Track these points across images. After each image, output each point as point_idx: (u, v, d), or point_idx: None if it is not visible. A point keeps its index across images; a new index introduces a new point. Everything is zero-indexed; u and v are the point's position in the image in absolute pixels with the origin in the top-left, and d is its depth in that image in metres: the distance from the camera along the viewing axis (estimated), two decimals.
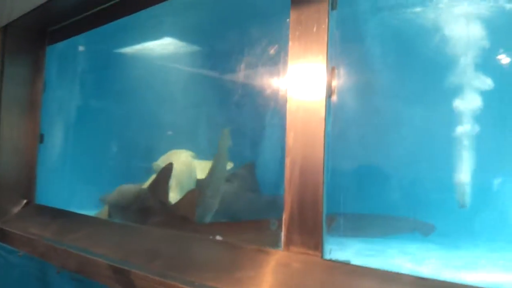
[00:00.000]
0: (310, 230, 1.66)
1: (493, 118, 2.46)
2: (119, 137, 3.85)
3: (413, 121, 2.55)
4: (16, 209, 3.38)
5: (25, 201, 3.41)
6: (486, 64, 2.38)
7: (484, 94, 2.36)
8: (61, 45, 3.47)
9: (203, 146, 3.58)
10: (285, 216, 1.76)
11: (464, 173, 2.41)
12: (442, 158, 2.57)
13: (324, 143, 1.66)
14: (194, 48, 3.71)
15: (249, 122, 3.17)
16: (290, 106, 1.78)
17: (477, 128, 2.40)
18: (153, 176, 3.51)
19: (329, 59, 1.69)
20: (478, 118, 2.38)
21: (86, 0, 3.01)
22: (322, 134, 1.67)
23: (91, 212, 3.43)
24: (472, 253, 2.30)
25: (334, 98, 1.70)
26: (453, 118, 2.41)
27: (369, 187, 2.73)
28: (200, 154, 3.49)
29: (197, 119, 3.54)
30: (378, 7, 2.48)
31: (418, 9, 2.40)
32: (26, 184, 3.45)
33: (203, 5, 2.99)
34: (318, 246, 1.63)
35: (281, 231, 1.76)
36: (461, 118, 2.39)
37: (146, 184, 3.45)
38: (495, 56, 2.44)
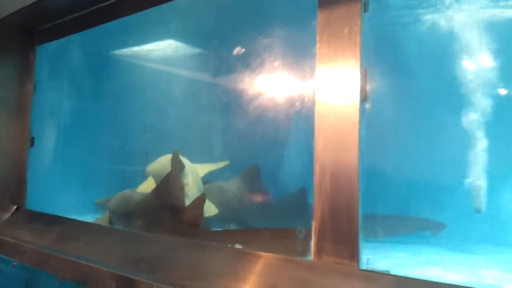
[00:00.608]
0: (344, 238, 1.60)
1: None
2: (113, 140, 3.73)
3: (433, 124, 2.53)
4: (6, 216, 3.22)
5: (15, 207, 3.25)
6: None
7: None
8: (52, 45, 3.33)
9: (199, 151, 3.49)
10: (315, 224, 1.69)
11: (480, 178, 2.40)
12: (458, 161, 2.55)
13: (359, 148, 1.61)
14: (200, 50, 3.62)
15: (254, 125, 3.10)
16: (319, 110, 1.72)
17: (496, 134, 2.39)
18: (149, 180, 3.41)
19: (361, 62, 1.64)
20: (498, 125, 2.37)
21: (77, 0, 2.90)
22: (356, 138, 1.61)
23: (85, 217, 3.30)
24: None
25: (367, 101, 1.65)
26: (473, 124, 2.40)
27: (377, 186, 2.69)
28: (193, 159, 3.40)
29: (196, 124, 3.45)
30: (409, 6, 2.45)
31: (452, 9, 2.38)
32: (16, 189, 3.29)
33: (213, 5, 2.91)
34: (354, 255, 1.57)
35: (310, 239, 1.70)
36: (481, 125, 2.38)
37: (140, 188, 3.34)
38: None
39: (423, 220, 2.74)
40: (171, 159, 2.96)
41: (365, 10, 1.67)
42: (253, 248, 1.89)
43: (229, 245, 1.98)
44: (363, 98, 1.64)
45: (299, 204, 2.87)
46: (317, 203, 1.69)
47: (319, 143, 1.71)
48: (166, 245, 2.23)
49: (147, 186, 3.33)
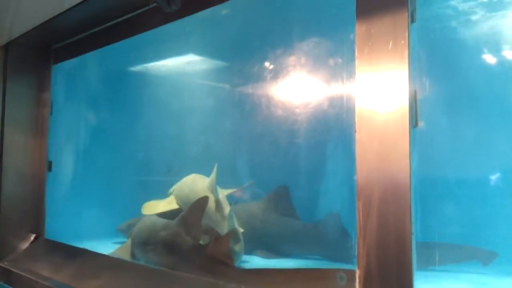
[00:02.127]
0: None
1: None
2: (135, 162, 3.54)
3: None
4: (24, 246, 3.07)
5: (33, 236, 3.10)
6: None
7: None
8: (68, 64, 3.17)
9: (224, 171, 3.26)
10: (359, 272, 1.46)
11: None
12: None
13: (410, 184, 1.36)
14: (219, 65, 3.42)
15: (284, 147, 2.89)
16: (361, 138, 1.48)
17: None
18: (169, 200, 3.20)
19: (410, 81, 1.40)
20: None
21: (93, 17, 2.73)
22: (407, 172, 1.37)
23: (107, 243, 3.14)
24: None
25: (419, 127, 1.41)
26: None
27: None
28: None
29: (220, 143, 3.24)
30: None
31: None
32: (34, 217, 3.14)
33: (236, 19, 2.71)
34: None
35: None
36: None
37: (154, 207, 3.14)
38: None
39: (471, 248, 2.45)
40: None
41: (413, 21, 1.42)
42: None
43: None
44: (414, 124, 1.40)
45: (333, 230, 2.64)
46: (362, 247, 1.45)
47: (362, 176, 1.47)
48: (192, 287, 2.01)
49: (166, 204, 3.14)
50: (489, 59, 2.34)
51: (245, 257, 2.78)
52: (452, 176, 2.43)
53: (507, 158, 2.35)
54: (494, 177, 2.40)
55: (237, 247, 2.42)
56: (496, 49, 2.31)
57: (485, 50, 2.31)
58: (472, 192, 2.43)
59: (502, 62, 2.31)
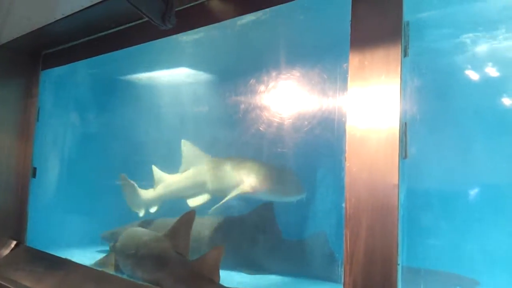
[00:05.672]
0: None
1: None
2: (119, 169, 3.53)
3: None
4: (5, 252, 3.03)
5: (14, 242, 3.06)
6: None
7: None
8: (57, 70, 3.15)
9: None
10: None
11: None
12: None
13: (398, 215, 1.39)
14: (211, 80, 3.43)
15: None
16: (351, 167, 1.50)
17: None
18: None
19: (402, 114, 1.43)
20: None
21: (85, 26, 2.73)
22: (395, 204, 1.40)
23: (90, 251, 3.11)
24: None
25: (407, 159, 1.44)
26: None
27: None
28: None
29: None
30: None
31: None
32: (16, 223, 3.11)
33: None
34: None
35: None
36: None
37: None
38: None
39: (454, 275, 2.49)
40: None
41: (405, 55, 1.46)
42: None
43: None
44: (404, 156, 1.43)
45: (318, 250, 2.66)
46: (348, 274, 1.48)
47: (350, 205, 1.50)
48: None
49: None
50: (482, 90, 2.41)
51: (227, 272, 2.77)
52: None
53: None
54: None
55: None
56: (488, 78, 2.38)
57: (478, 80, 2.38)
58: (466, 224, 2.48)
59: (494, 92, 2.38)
